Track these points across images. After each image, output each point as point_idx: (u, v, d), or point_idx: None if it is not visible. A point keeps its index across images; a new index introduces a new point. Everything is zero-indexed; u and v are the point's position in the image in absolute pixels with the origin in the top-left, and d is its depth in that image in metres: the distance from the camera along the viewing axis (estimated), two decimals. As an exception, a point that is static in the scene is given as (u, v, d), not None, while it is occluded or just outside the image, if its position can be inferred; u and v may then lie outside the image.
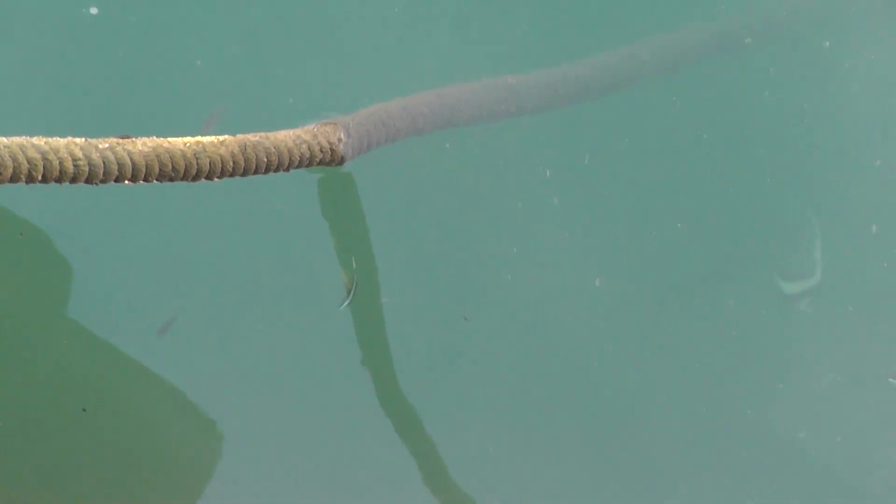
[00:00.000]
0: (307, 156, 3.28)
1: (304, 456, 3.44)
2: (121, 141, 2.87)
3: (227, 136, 3.10)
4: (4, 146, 2.66)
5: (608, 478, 3.52)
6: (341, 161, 3.41)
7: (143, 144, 2.90)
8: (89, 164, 2.78)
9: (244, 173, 3.11)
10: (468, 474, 3.49)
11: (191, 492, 3.36)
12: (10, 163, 2.64)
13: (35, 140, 2.72)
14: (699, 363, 3.67)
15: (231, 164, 3.08)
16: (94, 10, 3.52)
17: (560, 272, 3.68)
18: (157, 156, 2.91)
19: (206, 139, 3.06)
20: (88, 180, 2.79)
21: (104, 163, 2.81)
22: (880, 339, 3.76)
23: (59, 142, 2.75)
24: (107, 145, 2.83)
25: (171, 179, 2.97)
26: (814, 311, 3.65)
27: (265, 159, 3.15)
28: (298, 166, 3.26)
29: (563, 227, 3.70)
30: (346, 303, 3.49)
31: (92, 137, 2.79)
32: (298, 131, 3.30)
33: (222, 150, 3.06)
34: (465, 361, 3.56)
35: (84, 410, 3.37)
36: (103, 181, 2.82)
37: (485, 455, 3.51)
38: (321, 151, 3.35)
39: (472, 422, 3.53)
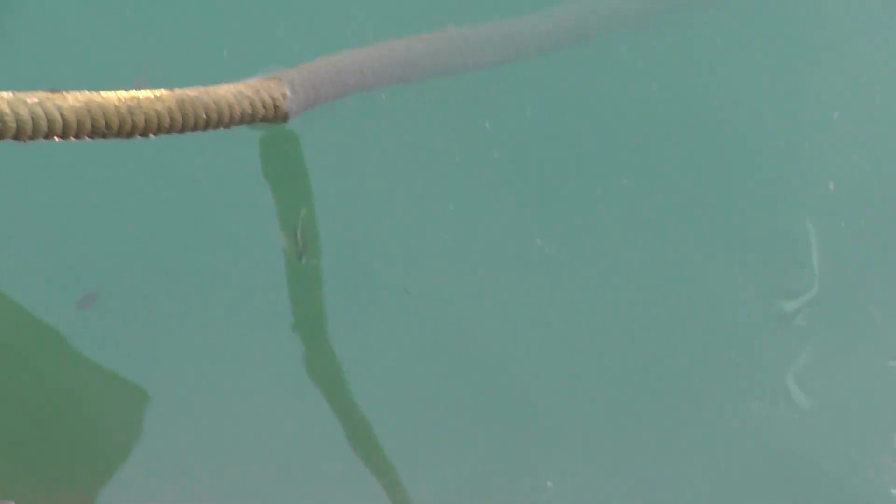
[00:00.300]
0: (249, 112, 3.15)
1: (233, 424, 3.31)
2: (51, 95, 2.74)
3: (163, 91, 2.98)
4: (-77, 100, 2.52)
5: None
6: (285, 118, 3.27)
7: (74, 99, 2.77)
8: (17, 120, 2.65)
9: (181, 130, 3.00)
10: (397, 443, 3.37)
11: (112, 464, 3.23)
12: (-71, 118, 2.52)
13: (-43, 93, 2.59)
14: (642, 333, 3.57)
15: (168, 120, 2.96)
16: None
17: (500, 232, 3.55)
18: (90, 111, 2.79)
19: (141, 94, 2.94)
20: (16, 137, 2.67)
21: (33, 118, 2.68)
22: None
23: (-16, 96, 2.62)
24: (36, 100, 2.70)
25: (104, 136, 2.86)
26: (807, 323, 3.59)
27: (204, 115, 3.03)
28: (240, 123, 3.14)
29: (503, 182, 3.56)
30: (302, 260, 3.35)
31: (19, 91, 2.66)
32: (240, 86, 3.17)
33: (158, 106, 2.94)
34: (405, 328, 3.43)
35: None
36: (31, 138, 2.70)
37: (417, 424, 3.39)
38: (264, 107, 3.21)
39: (405, 391, 3.40)
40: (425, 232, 3.52)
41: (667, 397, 3.49)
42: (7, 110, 2.64)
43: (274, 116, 3.24)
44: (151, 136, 2.95)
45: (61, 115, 2.72)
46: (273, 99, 3.23)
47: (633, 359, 3.51)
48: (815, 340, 3.55)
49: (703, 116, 3.78)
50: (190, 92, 3.02)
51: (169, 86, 2.99)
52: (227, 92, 3.12)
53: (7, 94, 2.65)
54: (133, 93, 2.92)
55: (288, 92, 3.25)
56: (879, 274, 3.71)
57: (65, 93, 2.77)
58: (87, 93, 2.80)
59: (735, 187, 3.72)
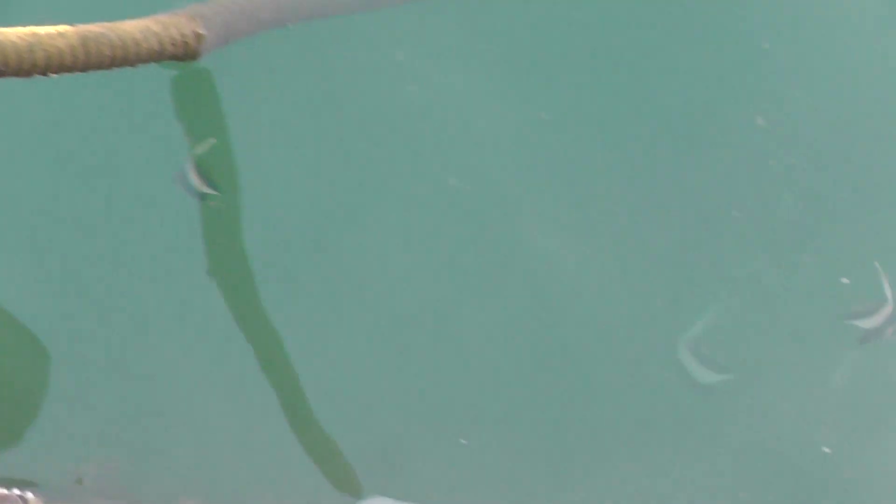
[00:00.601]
0: (157, 49, 2.99)
1: (132, 372, 3.18)
2: (-59, 30, 2.58)
3: (65, 27, 2.82)
4: None
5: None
6: (196, 55, 3.11)
7: (-33, 34, 2.61)
8: None
9: (85, 69, 2.85)
10: (319, 390, 3.26)
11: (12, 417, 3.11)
12: None
13: None
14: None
15: (70, 57, 2.80)
16: None
17: (411, 167, 3.43)
18: (-17, 47, 2.63)
19: (41, 30, 2.79)
20: None
21: (-80, 54, 2.52)
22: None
23: None
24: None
25: (2, 75, 2.73)
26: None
27: (109, 53, 2.88)
28: (147, 61, 2.99)
29: (421, 117, 3.44)
30: (208, 201, 3.20)
31: None
32: (147, 21, 3.01)
33: (60, 43, 2.79)
34: (326, 272, 3.31)
35: None
36: (-80, 75, 2.54)
37: (339, 370, 3.29)
38: (173, 45, 3.06)
39: (315, 338, 3.28)
40: (339, 173, 3.39)
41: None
42: None
43: (184, 54, 3.08)
44: (52, 74, 2.81)
45: (-48, 51, 2.57)
46: (183, 36, 3.07)
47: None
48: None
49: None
50: (94, 28, 2.88)
51: (71, 20, 2.83)
52: (133, 28, 2.96)
53: None
54: (32, 28, 2.78)
55: (199, 28, 3.09)
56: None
57: (-43, 28, 2.61)
58: (-20, 28, 2.66)
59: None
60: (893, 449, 3.45)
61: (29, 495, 3.00)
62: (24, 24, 2.80)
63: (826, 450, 3.40)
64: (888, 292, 3.47)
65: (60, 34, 2.80)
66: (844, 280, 3.53)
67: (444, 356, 3.33)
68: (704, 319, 3.41)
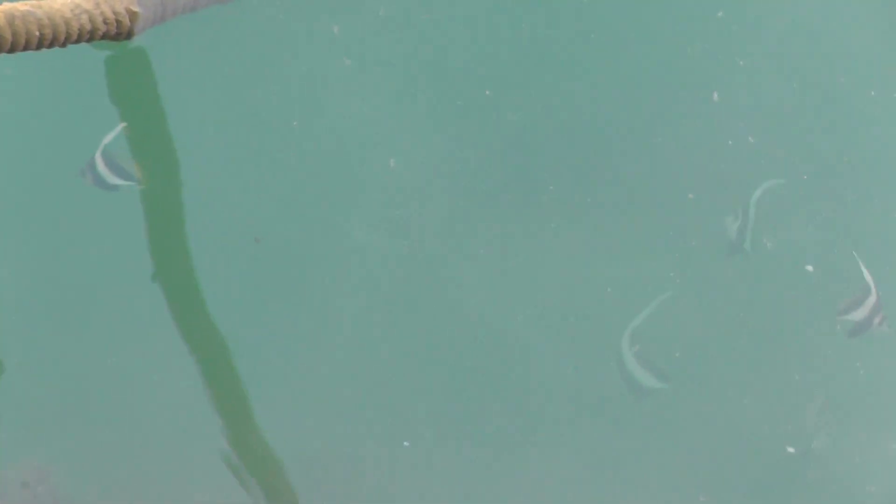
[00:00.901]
0: (88, 28, 2.83)
1: (59, 375, 3.07)
2: None
3: None
4: None
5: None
6: (130, 34, 2.95)
7: None
8: None
9: (12, 49, 2.68)
10: (258, 394, 3.21)
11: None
12: None
13: None
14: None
15: None
16: None
17: (352, 147, 3.30)
18: None
19: None
20: None
21: None
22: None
23: None
24: None
25: None
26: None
27: (37, 33, 2.72)
28: (78, 41, 2.83)
29: (356, 90, 3.31)
30: (139, 185, 3.07)
31: None
32: (78, -1, 2.85)
33: None
34: (265, 267, 3.20)
35: None
36: None
37: (279, 374, 3.19)
38: (105, 23, 2.90)
39: (245, 320, 3.18)
40: (277, 151, 3.26)
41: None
42: None
43: (117, 33, 2.92)
44: (-24, 55, 2.63)
45: None
46: (116, 14, 2.91)
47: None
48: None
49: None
50: (20, 6, 2.71)
51: (-3, -1, 2.67)
52: (63, 5, 2.80)
53: None
54: (-46, 7, 2.63)
55: (133, 5, 2.94)
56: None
57: None
58: None
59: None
60: (862, 446, 3.37)
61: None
62: (-56, 2, 2.66)
63: (790, 449, 3.31)
64: (869, 280, 3.38)
65: (-16, 13, 2.64)
66: (809, 268, 3.44)
67: (383, 359, 3.25)
68: (647, 311, 3.31)
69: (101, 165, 3.04)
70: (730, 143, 3.46)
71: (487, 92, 3.37)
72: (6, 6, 2.70)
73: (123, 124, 3.10)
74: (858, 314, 3.40)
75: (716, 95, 3.49)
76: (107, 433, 3.07)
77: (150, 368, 3.10)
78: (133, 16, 2.94)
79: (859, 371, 3.43)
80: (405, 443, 3.22)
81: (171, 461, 3.08)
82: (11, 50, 2.70)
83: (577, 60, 3.43)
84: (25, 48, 2.72)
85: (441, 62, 3.37)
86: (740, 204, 3.41)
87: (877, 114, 3.55)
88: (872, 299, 3.39)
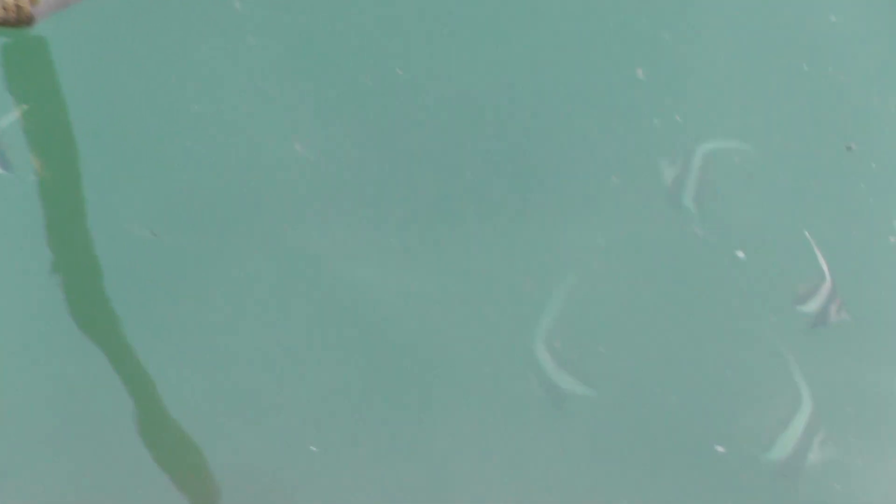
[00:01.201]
0: (-14, 7, 2.92)
1: None
2: None
3: None
4: None
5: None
6: (30, 21, 3.01)
7: None
8: None
9: None
10: (173, 398, 2.95)
11: None
12: None
13: None
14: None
15: None
16: None
17: (260, 129, 3.15)
18: None
19: None
20: None
21: None
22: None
23: None
24: None
25: None
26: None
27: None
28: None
29: (258, 68, 3.19)
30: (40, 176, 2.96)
31: None
32: (-25, -19, 2.97)
33: None
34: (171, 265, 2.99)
35: None
36: None
37: (194, 378, 2.89)
38: (4, 9, 3.01)
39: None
40: (184, 141, 3.13)
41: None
42: None
43: (16, 20, 3.00)
44: None
45: None
46: (14, 0, 3.00)
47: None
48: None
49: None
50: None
51: None
52: (-42, -7, 2.91)
53: None
54: None
55: (33, -5, 3.04)
56: None
57: None
58: None
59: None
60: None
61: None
62: None
63: (720, 448, 2.95)
64: (823, 264, 3.03)
65: None
66: (739, 254, 3.09)
67: (288, 360, 2.98)
68: (554, 305, 2.96)
69: None
70: (655, 121, 3.21)
71: (399, 71, 3.24)
72: None
73: (21, 109, 3.05)
74: (815, 304, 3.09)
75: (640, 72, 3.29)
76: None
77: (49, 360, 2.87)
78: (33, 1, 3.01)
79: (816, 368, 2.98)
80: (312, 448, 2.82)
81: (68, 461, 2.75)
82: None
83: (490, 37, 3.31)
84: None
85: (352, 40, 3.29)
86: (682, 151, 3.14)
87: (817, 89, 3.31)
88: (827, 285, 3.01)
